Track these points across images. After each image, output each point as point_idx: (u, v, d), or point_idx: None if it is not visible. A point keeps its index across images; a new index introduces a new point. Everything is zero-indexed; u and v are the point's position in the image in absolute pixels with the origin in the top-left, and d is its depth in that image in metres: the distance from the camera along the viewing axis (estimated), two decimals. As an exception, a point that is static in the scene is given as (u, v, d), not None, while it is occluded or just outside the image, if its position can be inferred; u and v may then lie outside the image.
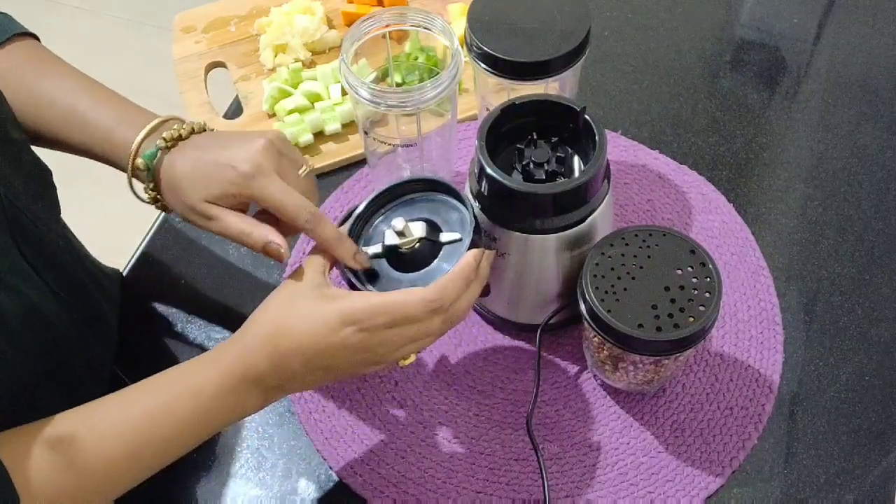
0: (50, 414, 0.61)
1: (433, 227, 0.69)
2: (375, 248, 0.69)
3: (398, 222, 0.68)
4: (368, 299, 0.62)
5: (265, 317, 0.64)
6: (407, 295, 0.62)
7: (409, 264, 0.68)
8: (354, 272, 0.68)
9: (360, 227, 0.71)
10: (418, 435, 0.78)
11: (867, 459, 0.75)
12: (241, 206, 0.69)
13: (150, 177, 0.70)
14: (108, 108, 0.73)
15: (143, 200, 0.73)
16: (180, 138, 0.70)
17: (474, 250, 0.66)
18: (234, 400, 0.63)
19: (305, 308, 0.63)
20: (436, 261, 0.68)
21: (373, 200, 0.72)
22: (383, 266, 0.69)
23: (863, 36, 1.07)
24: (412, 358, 0.66)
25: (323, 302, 0.63)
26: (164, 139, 0.69)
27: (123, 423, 0.61)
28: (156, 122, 0.71)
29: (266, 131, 0.70)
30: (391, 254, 0.69)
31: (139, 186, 0.72)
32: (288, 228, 0.70)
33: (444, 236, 0.69)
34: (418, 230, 0.68)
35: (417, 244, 0.68)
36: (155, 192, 0.71)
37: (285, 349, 0.62)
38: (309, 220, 0.67)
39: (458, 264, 0.65)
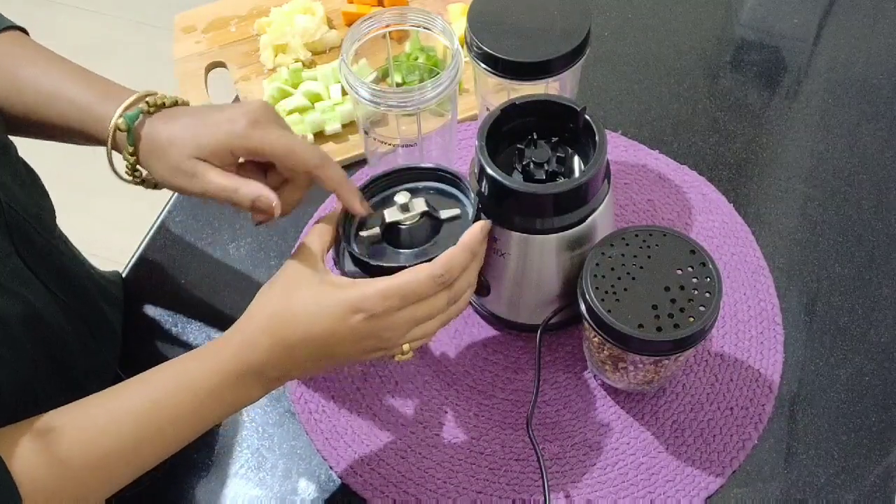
0: None
1: (432, 207, 0.69)
2: (374, 231, 0.69)
3: (402, 196, 0.67)
4: (376, 285, 0.61)
5: (266, 308, 0.63)
6: (413, 273, 0.62)
7: (408, 241, 0.68)
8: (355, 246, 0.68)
9: (349, 219, 0.71)
10: (418, 435, 0.78)
11: (867, 459, 0.75)
12: (227, 166, 0.67)
13: (130, 140, 0.68)
14: (89, 86, 0.71)
15: (120, 177, 0.71)
16: (164, 106, 0.69)
17: (480, 222, 0.65)
18: (234, 393, 0.63)
19: (310, 297, 0.62)
20: (435, 238, 0.68)
21: (368, 185, 0.71)
22: (380, 245, 0.69)
23: (863, 36, 1.07)
24: (409, 355, 0.66)
25: (328, 290, 0.62)
26: (148, 104, 0.68)
27: (119, 417, 0.61)
28: (136, 96, 0.70)
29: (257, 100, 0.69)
30: (390, 231, 0.68)
31: (119, 164, 0.70)
32: (286, 197, 0.68)
33: (445, 213, 0.68)
34: (420, 205, 0.68)
35: (419, 219, 0.67)
36: (134, 159, 0.69)
37: (290, 340, 0.61)
38: (321, 158, 0.65)
39: (464, 236, 0.64)
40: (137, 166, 0.70)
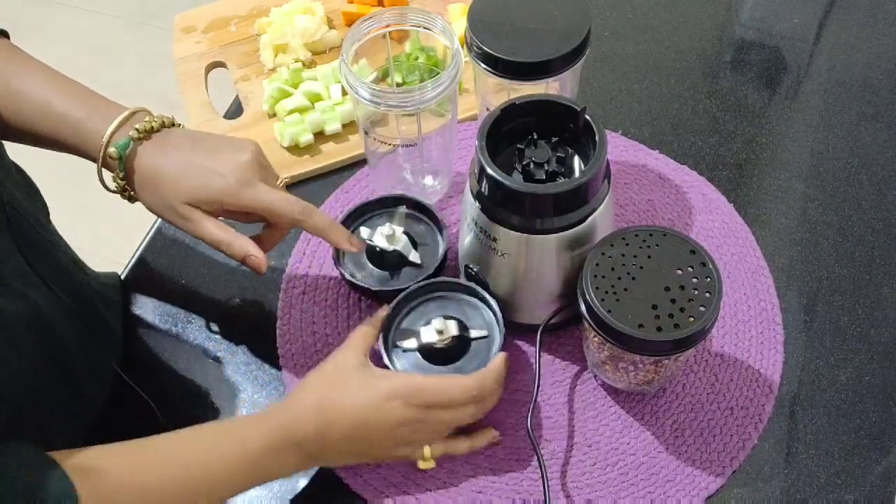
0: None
1: (462, 326, 0.76)
2: (410, 344, 0.75)
3: (438, 322, 0.74)
4: (414, 379, 0.69)
5: (313, 390, 0.68)
6: (450, 380, 0.69)
7: (438, 357, 0.75)
8: (391, 358, 0.74)
9: (390, 324, 0.77)
10: (418, 435, 0.78)
11: (867, 459, 0.75)
12: (217, 213, 0.72)
13: (121, 167, 0.71)
14: (79, 101, 0.73)
15: (110, 190, 0.74)
16: (152, 130, 0.72)
17: (503, 354, 0.73)
18: (277, 457, 0.66)
19: (354, 383, 0.68)
20: (463, 358, 0.75)
21: (402, 300, 0.77)
22: (414, 356, 0.76)
23: (863, 36, 1.07)
24: (432, 462, 0.72)
25: (371, 378, 0.68)
26: (137, 130, 0.71)
27: (169, 464, 0.63)
28: (126, 113, 0.72)
29: (245, 142, 0.73)
30: (425, 347, 0.75)
31: (108, 177, 0.73)
32: (269, 237, 0.76)
33: (474, 332, 0.76)
34: (453, 328, 0.75)
35: (451, 340, 0.74)
36: (124, 183, 0.72)
37: (330, 417, 0.66)
38: (302, 211, 0.72)
39: (493, 363, 0.72)
40: (127, 187, 0.73)
